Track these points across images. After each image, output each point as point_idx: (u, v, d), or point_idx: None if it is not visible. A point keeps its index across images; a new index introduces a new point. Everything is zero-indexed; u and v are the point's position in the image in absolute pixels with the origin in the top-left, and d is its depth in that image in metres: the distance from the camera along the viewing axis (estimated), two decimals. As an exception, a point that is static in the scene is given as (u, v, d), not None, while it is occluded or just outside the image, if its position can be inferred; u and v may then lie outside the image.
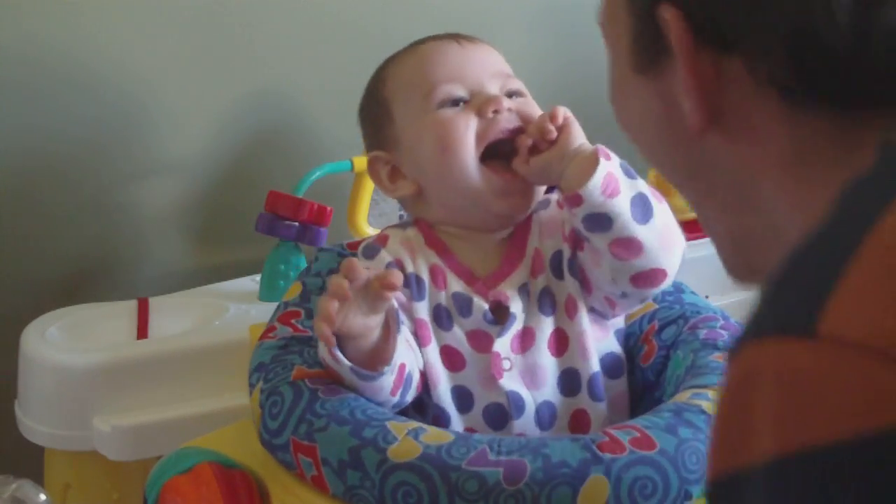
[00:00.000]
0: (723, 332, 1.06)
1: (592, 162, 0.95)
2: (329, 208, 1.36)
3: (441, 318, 1.02)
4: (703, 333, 1.05)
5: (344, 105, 1.51)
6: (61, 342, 1.25)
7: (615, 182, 0.94)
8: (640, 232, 0.95)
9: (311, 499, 0.89)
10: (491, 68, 1.06)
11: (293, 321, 1.07)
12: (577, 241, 1.02)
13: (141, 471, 1.26)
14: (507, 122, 1.02)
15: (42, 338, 1.25)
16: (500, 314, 1.02)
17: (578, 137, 0.99)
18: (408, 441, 0.86)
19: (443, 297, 1.03)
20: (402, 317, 1.00)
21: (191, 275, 1.46)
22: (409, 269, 1.03)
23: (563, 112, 0.99)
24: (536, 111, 1.04)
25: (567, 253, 1.03)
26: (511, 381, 0.99)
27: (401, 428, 0.87)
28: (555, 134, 0.98)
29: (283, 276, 1.36)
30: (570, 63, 1.63)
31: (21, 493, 1.05)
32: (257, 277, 1.39)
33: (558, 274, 1.03)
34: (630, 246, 0.96)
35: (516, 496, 0.82)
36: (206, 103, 1.45)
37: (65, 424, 1.23)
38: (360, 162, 1.38)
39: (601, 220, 0.95)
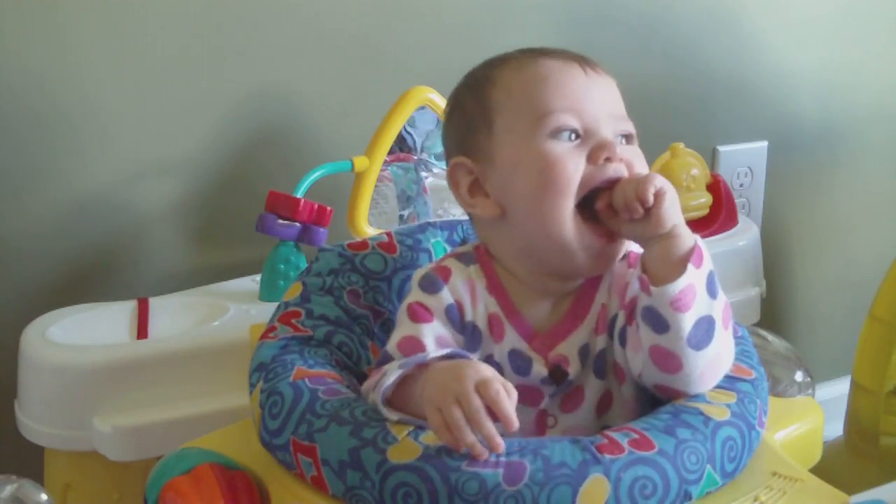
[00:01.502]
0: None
1: (680, 266, 0.89)
2: (329, 208, 1.36)
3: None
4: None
5: (344, 105, 1.53)
6: (61, 342, 1.25)
7: (691, 297, 0.89)
8: (688, 355, 0.90)
9: (311, 499, 0.89)
10: (609, 106, 0.97)
11: (294, 321, 1.07)
12: (631, 313, 0.95)
13: (141, 471, 1.26)
14: (614, 171, 0.95)
15: (42, 338, 1.25)
16: (557, 376, 0.97)
17: (671, 219, 0.90)
18: (408, 442, 0.86)
19: (496, 351, 0.98)
20: None
21: (191, 275, 1.46)
22: (468, 317, 0.98)
23: (654, 189, 0.90)
24: (642, 163, 0.98)
25: (621, 321, 0.97)
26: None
27: (401, 428, 0.87)
28: (641, 213, 0.91)
29: (283, 276, 1.36)
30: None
31: (22, 492, 1.06)
32: (257, 277, 1.39)
33: (612, 335, 0.98)
34: (669, 362, 0.91)
35: (516, 497, 0.82)
36: (206, 103, 1.45)
37: (65, 424, 1.23)
38: (360, 162, 1.38)
39: (657, 321, 0.90)
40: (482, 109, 0.99)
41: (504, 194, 0.97)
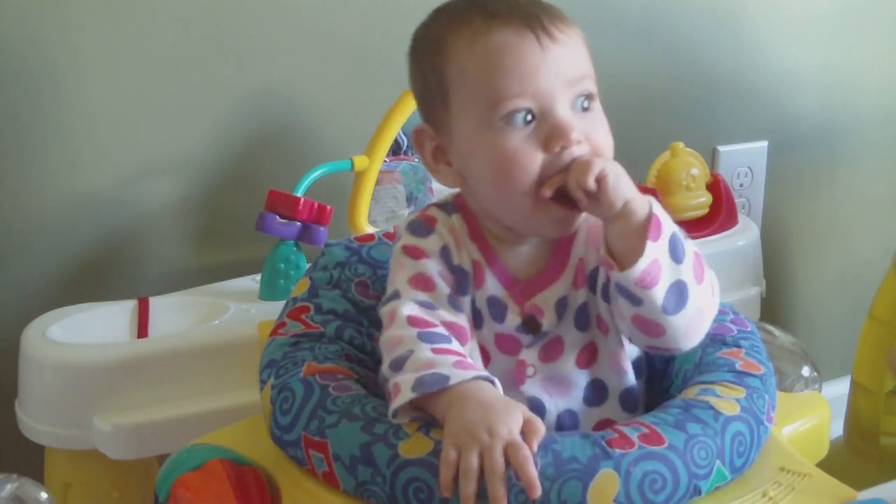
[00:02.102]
0: (732, 326, 1.06)
1: (639, 241, 0.89)
2: (329, 207, 1.36)
3: (473, 315, 0.98)
4: (712, 328, 1.05)
5: (344, 105, 1.53)
6: (62, 341, 1.25)
7: (656, 271, 0.89)
8: (667, 320, 0.91)
9: (321, 495, 0.89)
10: (566, 73, 0.93)
11: (303, 316, 1.07)
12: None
13: (142, 470, 1.26)
14: (570, 157, 0.92)
15: (42, 337, 1.25)
16: (532, 326, 0.98)
17: (618, 199, 0.90)
18: (419, 437, 0.85)
19: (477, 297, 0.98)
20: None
21: (191, 274, 1.46)
22: (455, 260, 0.99)
23: (594, 175, 0.89)
24: (600, 129, 0.95)
25: (603, 277, 0.97)
26: (532, 388, 0.98)
27: (412, 424, 0.87)
28: (586, 200, 0.91)
29: (283, 275, 1.36)
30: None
31: (22, 491, 1.05)
32: (257, 277, 1.39)
33: (594, 289, 0.99)
34: (652, 328, 0.92)
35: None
36: (206, 103, 1.45)
37: (65, 423, 1.23)
38: (360, 161, 1.38)
39: (629, 296, 0.91)
40: (438, 82, 0.97)
41: (465, 169, 0.98)
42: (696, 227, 1.58)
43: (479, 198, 0.99)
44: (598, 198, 0.90)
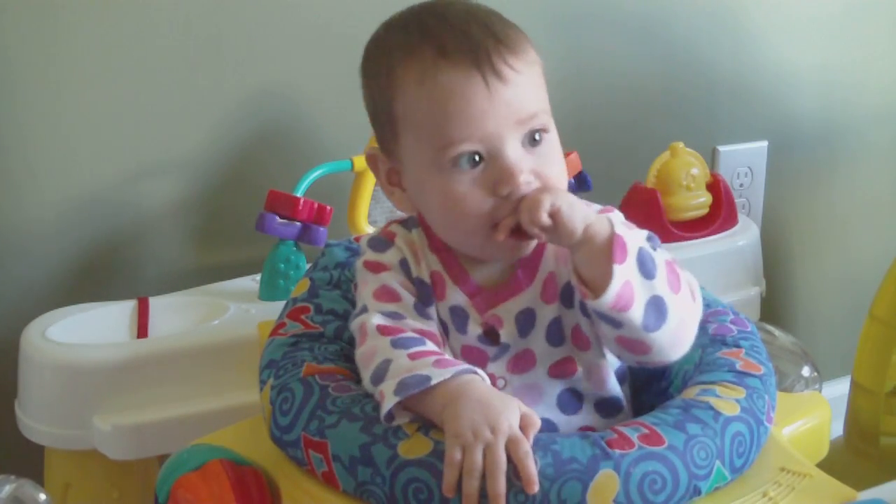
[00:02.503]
0: (732, 327, 1.06)
1: (605, 265, 0.88)
2: (329, 208, 1.36)
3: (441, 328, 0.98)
4: (712, 328, 1.05)
5: (344, 105, 1.52)
6: (61, 342, 1.25)
7: (629, 293, 0.88)
8: (651, 337, 0.91)
9: (321, 495, 0.89)
10: (515, 115, 0.92)
11: (303, 317, 1.06)
12: None
13: (141, 470, 1.26)
14: (522, 193, 0.92)
15: (42, 338, 1.25)
16: (492, 337, 0.98)
17: (576, 228, 0.89)
18: (419, 437, 0.86)
19: (441, 308, 0.98)
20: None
21: (191, 274, 1.46)
22: (414, 272, 0.99)
23: (545, 211, 0.88)
24: (552, 163, 0.94)
25: (579, 295, 0.94)
26: None
27: (412, 424, 0.87)
28: (544, 237, 0.91)
29: (283, 275, 1.36)
30: (578, 74, 1.63)
31: (21, 492, 1.05)
32: (257, 277, 1.39)
33: (568, 303, 0.98)
34: (637, 347, 0.92)
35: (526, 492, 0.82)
36: (206, 103, 1.45)
37: (65, 424, 1.23)
38: (361, 161, 1.38)
39: (608, 320, 0.91)
40: (387, 115, 0.97)
41: (417, 201, 0.99)
42: (696, 227, 1.58)
43: (434, 227, 0.99)
44: (556, 230, 0.89)
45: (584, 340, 0.98)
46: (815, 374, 1.18)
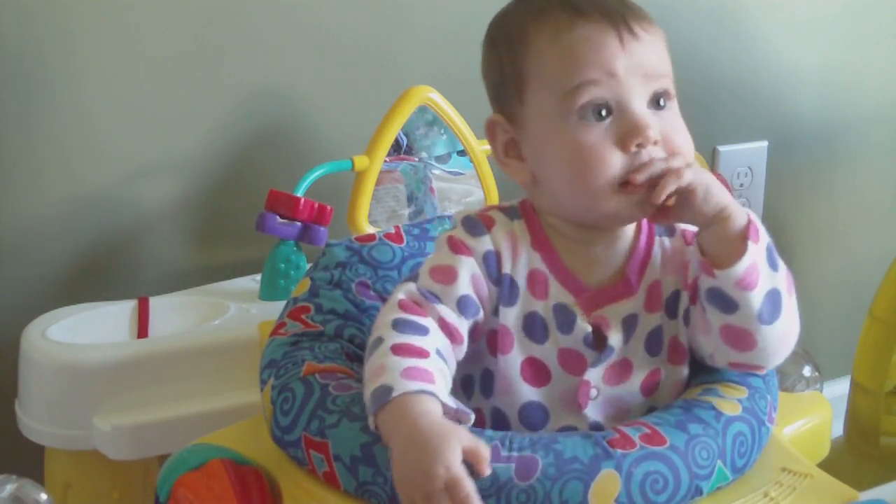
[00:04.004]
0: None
1: (739, 244, 0.87)
2: (329, 207, 1.36)
3: (534, 328, 0.94)
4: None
5: (344, 105, 1.52)
6: (61, 342, 1.25)
7: (755, 274, 0.87)
8: (761, 330, 0.89)
9: (322, 495, 0.88)
10: (645, 69, 0.91)
11: (303, 316, 1.06)
12: (694, 294, 0.94)
13: (141, 470, 1.26)
14: (647, 157, 0.89)
15: (42, 337, 1.25)
16: (598, 340, 0.94)
17: (711, 208, 0.88)
18: (419, 437, 0.85)
19: (541, 307, 0.94)
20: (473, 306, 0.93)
21: (191, 274, 1.45)
22: (506, 269, 0.94)
23: (677, 187, 0.87)
24: (678, 130, 0.93)
25: (685, 302, 0.95)
26: (594, 412, 0.94)
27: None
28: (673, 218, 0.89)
29: (283, 275, 1.36)
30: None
31: (22, 492, 1.05)
32: (257, 277, 1.39)
33: (672, 314, 0.96)
34: (743, 339, 0.91)
35: (528, 492, 0.82)
36: (206, 103, 1.45)
37: (65, 424, 1.23)
38: (361, 161, 1.38)
39: (725, 302, 0.89)
40: (515, 73, 0.94)
41: (537, 166, 0.95)
42: (696, 227, 1.58)
43: (551, 195, 0.95)
44: (691, 206, 0.88)
45: (681, 353, 0.96)
46: (817, 373, 1.18)
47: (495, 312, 0.94)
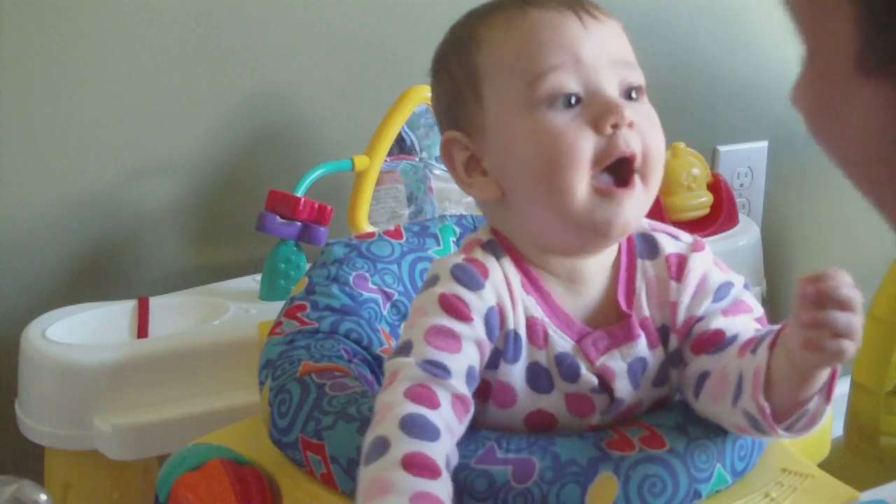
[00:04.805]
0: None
1: (820, 405, 0.83)
2: (329, 207, 1.36)
3: (538, 378, 0.87)
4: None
5: (344, 105, 1.52)
6: (61, 342, 1.25)
7: (809, 425, 0.83)
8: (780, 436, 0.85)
9: (322, 495, 0.89)
10: (611, 54, 0.84)
11: (299, 314, 1.06)
12: (685, 337, 0.88)
13: (141, 470, 1.26)
14: (625, 143, 0.82)
15: (42, 337, 1.25)
16: (606, 387, 0.87)
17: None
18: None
19: (542, 357, 0.86)
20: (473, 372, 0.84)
21: (191, 275, 1.45)
22: (510, 325, 0.85)
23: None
24: (653, 125, 0.86)
25: (674, 342, 0.89)
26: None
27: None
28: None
29: (283, 275, 1.36)
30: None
31: (22, 493, 1.05)
32: (258, 277, 1.39)
33: (666, 345, 0.90)
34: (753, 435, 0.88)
35: (525, 495, 0.82)
36: (206, 103, 1.45)
37: (65, 424, 1.23)
38: (361, 161, 1.38)
39: (755, 424, 0.83)
40: (468, 76, 0.86)
41: (503, 175, 0.86)
42: (696, 227, 1.58)
43: (519, 209, 0.86)
44: (826, 361, 0.81)
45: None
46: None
47: (492, 366, 0.87)
